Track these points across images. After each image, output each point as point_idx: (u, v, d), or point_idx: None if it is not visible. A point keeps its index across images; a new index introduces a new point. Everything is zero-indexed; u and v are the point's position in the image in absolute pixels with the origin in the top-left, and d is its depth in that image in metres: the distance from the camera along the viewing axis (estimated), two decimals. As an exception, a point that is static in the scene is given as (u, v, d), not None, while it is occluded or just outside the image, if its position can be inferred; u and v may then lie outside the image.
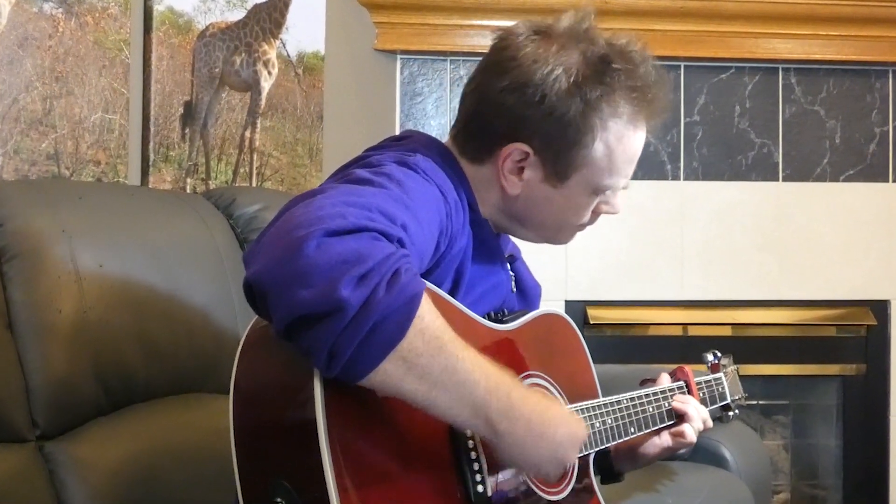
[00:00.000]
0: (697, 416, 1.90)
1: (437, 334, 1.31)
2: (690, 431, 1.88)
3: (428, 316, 1.31)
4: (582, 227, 1.77)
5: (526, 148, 1.65)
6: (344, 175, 1.48)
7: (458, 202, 1.59)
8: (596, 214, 1.76)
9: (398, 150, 1.60)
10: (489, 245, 1.71)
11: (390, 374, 1.29)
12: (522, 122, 1.64)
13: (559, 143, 1.65)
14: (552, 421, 1.44)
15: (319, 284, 1.23)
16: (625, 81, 1.65)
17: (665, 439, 1.88)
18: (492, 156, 1.68)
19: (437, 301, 1.45)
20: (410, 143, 1.66)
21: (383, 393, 1.32)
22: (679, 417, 1.90)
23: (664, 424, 1.88)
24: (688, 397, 1.93)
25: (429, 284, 1.48)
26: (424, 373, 1.30)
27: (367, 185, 1.41)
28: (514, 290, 1.81)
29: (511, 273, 1.81)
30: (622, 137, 1.67)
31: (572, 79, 1.63)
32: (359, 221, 1.29)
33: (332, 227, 1.27)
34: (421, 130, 1.80)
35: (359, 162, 1.55)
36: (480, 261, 1.67)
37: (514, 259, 1.86)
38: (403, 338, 1.27)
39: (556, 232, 1.77)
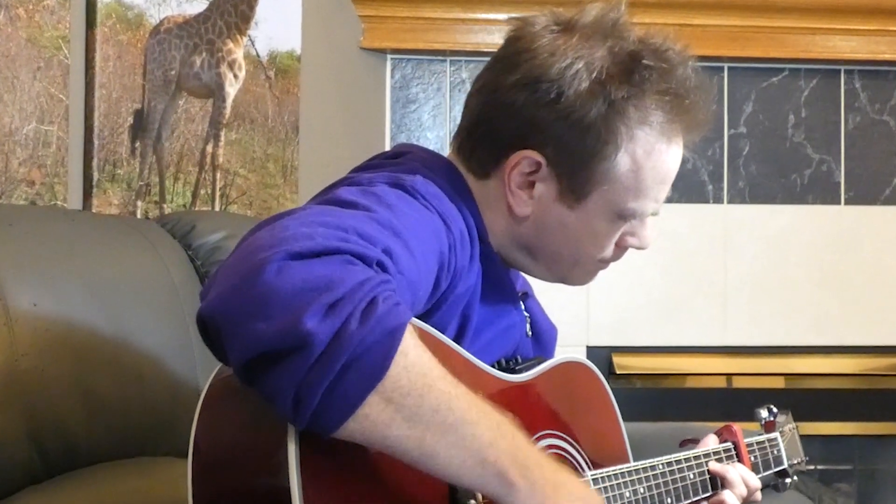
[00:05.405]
0: (739, 480, 1.89)
1: (424, 371, 1.29)
2: (732, 500, 1.87)
3: (413, 351, 1.29)
4: (604, 263, 1.77)
5: (537, 157, 1.65)
6: (324, 197, 1.47)
7: (464, 234, 1.58)
8: (620, 248, 1.75)
9: (394, 169, 1.59)
10: (501, 282, 1.71)
11: (372, 420, 1.26)
12: (534, 124, 1.64)
13: (577, 152, 1.64)
14: (561, 471, 1.41)
15: (280, 315, 1.22)
16: (657, 83, 1.65)
17: None
18: (498, 167, 1.68)
19: (435, 346, 1.44)
20: (409, 160, 1.65)
21: (368, 445, 1.30)
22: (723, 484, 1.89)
23: (707, 494, 1.87)
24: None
25: (426, 327, 1.47)
26: (413, 415, 1.28)
27: (351, 207, 1.40)
28: (530, 333, 1.81)
29: (526, 314, 1.81)
30: (652, 151, 1.67)
31: (594, 75, 1.63)
32: (328, 242, 1.28)
33: (296, 249, 1.26)
34: (417, 144, 1.80)
35: (344, 182, 1.55)
36: (490, 301, 1.67)
37: (527, 297, 1.86)
38: (384, 377, 1.25)
39: (572, 267, 1.77)
